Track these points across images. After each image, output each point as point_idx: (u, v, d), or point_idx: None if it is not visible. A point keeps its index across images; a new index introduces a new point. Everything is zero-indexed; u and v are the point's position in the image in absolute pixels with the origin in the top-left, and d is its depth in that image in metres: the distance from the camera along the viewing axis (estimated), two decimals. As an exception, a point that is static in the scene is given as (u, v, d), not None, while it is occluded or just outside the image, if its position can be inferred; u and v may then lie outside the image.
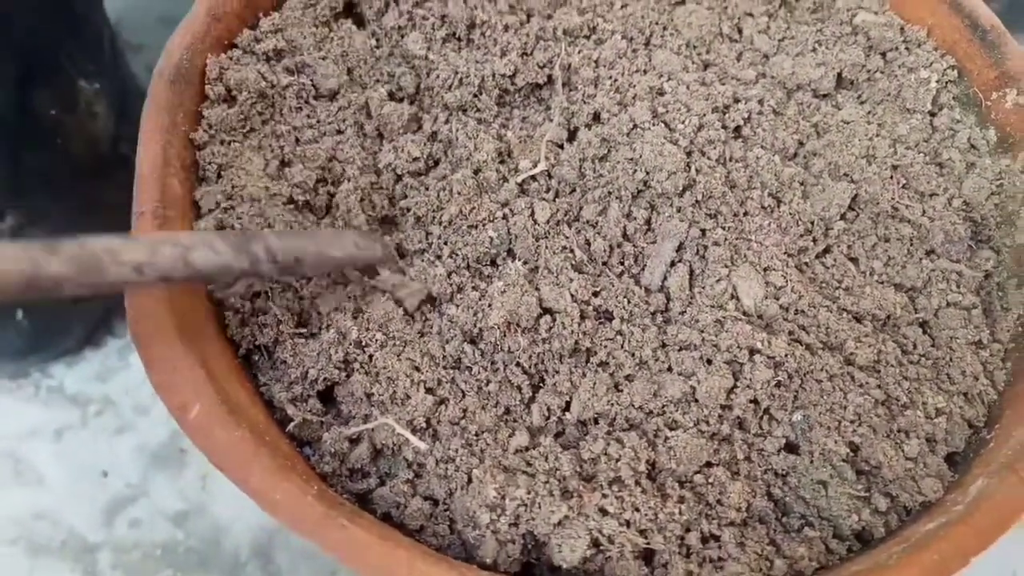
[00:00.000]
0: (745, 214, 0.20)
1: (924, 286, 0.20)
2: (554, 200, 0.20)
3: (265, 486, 0.15)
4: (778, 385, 0.18)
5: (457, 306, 0.19)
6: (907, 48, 0.23)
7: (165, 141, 0.19)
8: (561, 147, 0.21)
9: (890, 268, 0.20)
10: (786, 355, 0.18)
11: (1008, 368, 0.20)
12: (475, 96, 0.21)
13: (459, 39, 0.22)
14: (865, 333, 0.19)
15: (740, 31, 0.23)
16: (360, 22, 0.23)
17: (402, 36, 0.23)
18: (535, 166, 0.20)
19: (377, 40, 0.23)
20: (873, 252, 0.21)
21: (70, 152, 0.26)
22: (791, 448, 0.19)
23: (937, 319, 0.20)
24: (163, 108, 0.19)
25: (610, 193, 0.20)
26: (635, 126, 0.21)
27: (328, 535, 0.15)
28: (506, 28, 0.22)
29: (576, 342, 0.19)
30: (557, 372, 0.19)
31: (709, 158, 0.20)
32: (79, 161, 0.26)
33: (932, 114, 0.22)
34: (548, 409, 0.18)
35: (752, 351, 0.18)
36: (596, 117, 0.21)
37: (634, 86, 0.21)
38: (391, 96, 0.22)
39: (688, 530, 0.17)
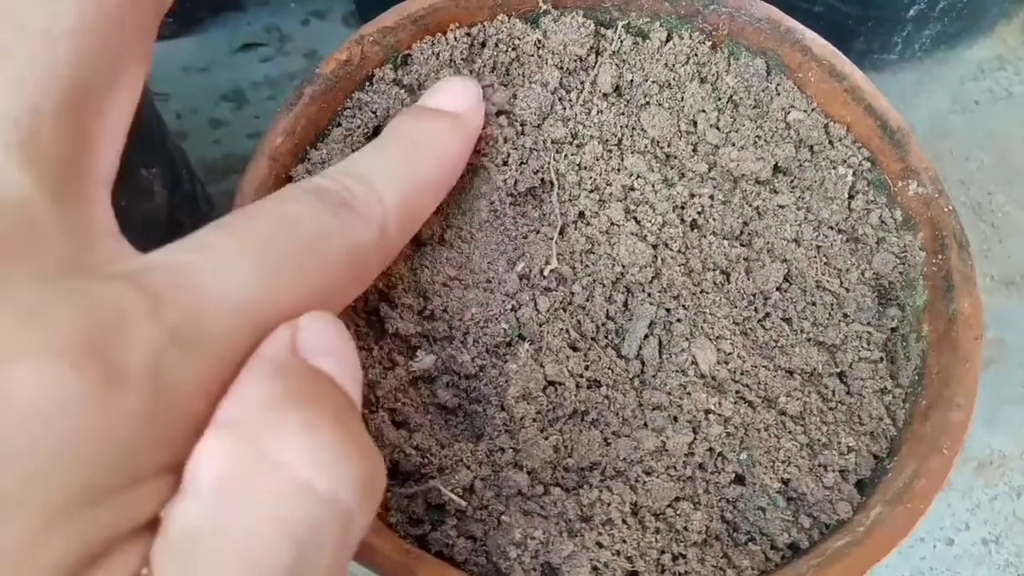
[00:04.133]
0: (701, 292, 0.26)
1: (842, 344, 0.26)
2: (552, 291, 0.25)
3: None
4: (728, 435, 0.24)
5: (480, 381, 0.24)
6: (830, 143, 0.28)
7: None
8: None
9: (816, 328, 0.26)
10: (733, 413, 0.24)
11: (907, 408, 0.26)
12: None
13: None
14: (794, 387, 0.25)
15: (695, 124, 0.28)
16: None
17: None
18: (547, 262, 0.25)
19: None
20: (803, 314, 0.26)
21: (134, 233, 0.30)
22: (739, 479, 0.24)
23: (852, 370, 0.26)
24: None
25: (594, 282, 0.26)
26: (612, 224, 0.26)
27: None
28: (505, 140, 0.27)
29: (574, 408, 0.24)
30: (560, 432, 0.24)
31: (671, 250, 0.26)
32: (140, 239, 0.31)
33: (851, 196, 0.28)
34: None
35: (707, 412, 0.24)
36: (581, 215, 0.26)
37: (610, 184, 0.26)
38: None
39: (662, 552, 0.23)
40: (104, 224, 0.17)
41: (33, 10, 0.16)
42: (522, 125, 0.27)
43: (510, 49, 0.28)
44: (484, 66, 0.28)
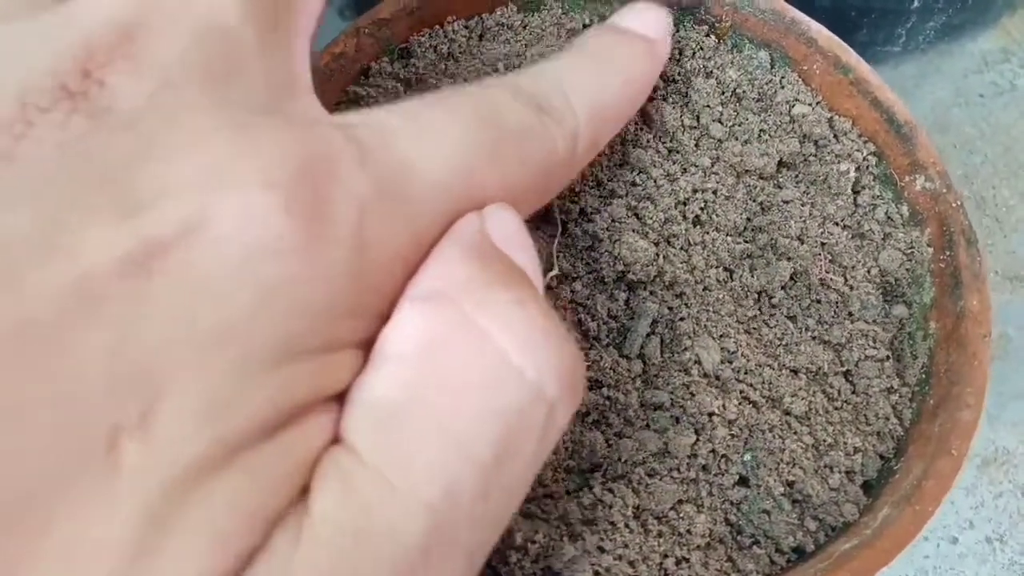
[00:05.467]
0: (705, 289, 0.25)
1: (847, 343, 0.25)
2: (552, 289, 0.25)
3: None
4: (732, 436, 0.24)
5: None
6: (835, 137, 0.27)
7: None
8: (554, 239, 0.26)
9: (820, 327, 0.26)
10: (737, 414, 0.24)
11: (914, 408, 0.25)
12: None
13: None
14: (800, 387, 0.24)
15: (698, 119, 0.28)
16: None
17: None
18: (549, 266, 0.25)
19: None
20: (807, 312, 0.26)
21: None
22: (743, 481, 0.24)
23: (858, 369, 0.25)
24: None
25: (596, 280, 0.25)
26: (613, 221, 0.25)
27: None
28: None
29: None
30: (564, 432, 0.24)
31: (674, 247, 0.25)
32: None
33: (856, 192, 0.27)
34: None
35: (711, 414, 0.23)
36: (582, 212, 0.26)
37: (613, 180, 0.26)
38: None
39: (665, 556, 0.22)
40: (304, 80, 0.16)
41: None
42: None
43: (510, 41, 0.27)
44: (485, 59, 0.27)
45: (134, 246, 0.11)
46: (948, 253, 0.26)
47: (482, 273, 0.14)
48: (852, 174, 0.27)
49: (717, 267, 0.25)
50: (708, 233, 0.26)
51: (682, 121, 0.27)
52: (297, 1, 0.16)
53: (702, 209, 0.26)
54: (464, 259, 0.14)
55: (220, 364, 0.12)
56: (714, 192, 0.26)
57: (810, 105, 0.28)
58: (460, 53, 0.27)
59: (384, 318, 0.14)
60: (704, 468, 0.23)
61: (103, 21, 0.13)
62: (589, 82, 0.20)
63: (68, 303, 0.11)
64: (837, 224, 0.27)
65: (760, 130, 0.27)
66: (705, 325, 0.25)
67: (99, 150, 0.12)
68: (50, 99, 0.12)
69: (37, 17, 0.14)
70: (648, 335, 0.25)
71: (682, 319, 0.25)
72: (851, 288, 0.26)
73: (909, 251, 0.26)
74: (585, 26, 0.28)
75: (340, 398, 0.14)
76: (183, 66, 0.13)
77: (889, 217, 0.27)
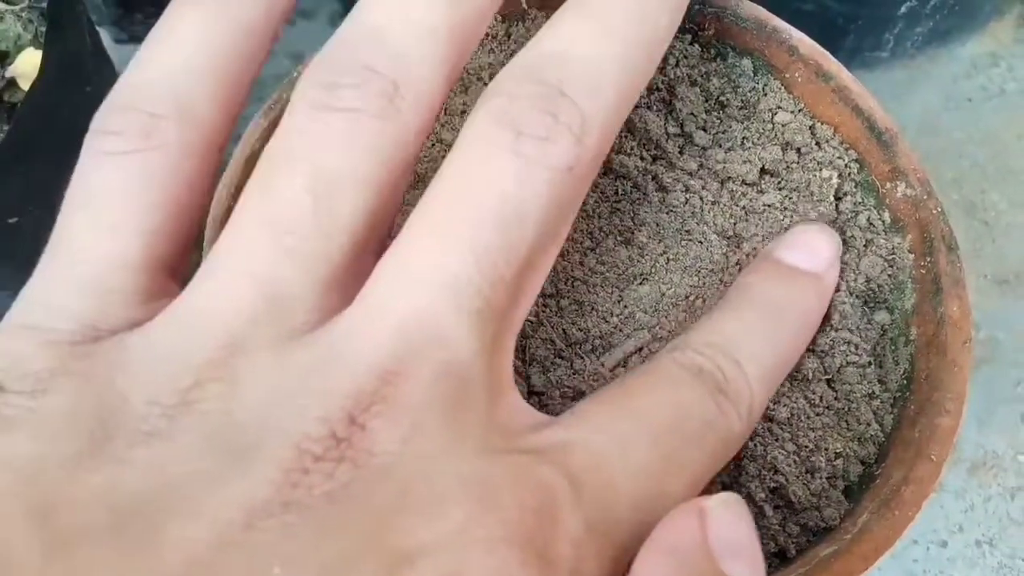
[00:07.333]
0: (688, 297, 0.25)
1: (830, 350, 0.26)
2: (541, 297, 0.25)
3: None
4: (714, 442, 0.24)
5: None
6: (817, 144, 0.28)
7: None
8: None
9: None
10: None
11: (895, 413, 0.25)
12: None
13: None
14: (782, 392, 0.25)
15: (682, 127, 0.28)
16: None
17: None
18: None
19: None
20: None
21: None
22: (725, 487, 0.24)
23: (840, 375, 0.25)
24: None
25: (586, 290, 0.25)
26: (600, 230, 0.26)
27: None
28: None
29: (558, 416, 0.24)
30: None
31: (656, 252, 0.26)
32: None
33: (838, 199, 0.27)
34: None
35: (693, 420, 0.24)
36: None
37: (596, 189, 0.26)
38: None
39: (647, 562, 0.22)
40: (509, 376, 0.17)
41: None
42: None
43: (495, 51, 0.28)
44: (469, 67, 0.27)
45: None
46: (929, 259, 0.26)
47: None
48: (834, 181, 0.27)
49: (700, 273, 0.26)
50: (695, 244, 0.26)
51: (666, 129, 0.28)
52: (525, 304, 0.17)
53: (691, 216, 0.26)
54: None
55: None
56: (700, 198, 0.27)
57: (792, 113, 0.28)
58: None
59: None
60: (686, 474, 0.24)
61: (368, 366, 0.15)
62: (762, 347, 0.21)
63: None
64: None
65: (743, 137, 0.28)
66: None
67: (363, 501, 0.13)
68: (323, 447, 0.14)
69: (292, 352, 0.15)
70: (633, 353, 0.25)
71: (669, 331, 0.25)
72: (835, 294, 0.26)
73: (891, 257, 0.27)
74: None
75: None
76: (428, 407, 0.15)
77: (871, 223, 0.27)
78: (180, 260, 0.18)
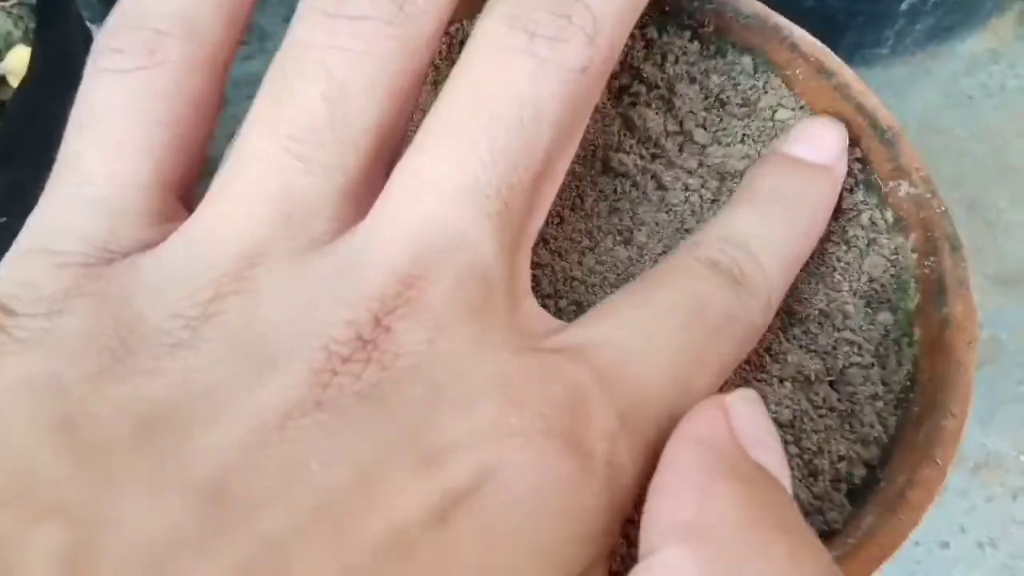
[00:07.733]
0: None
1: (833, 350, 0.25)
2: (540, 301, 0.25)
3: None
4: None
5: None
6: (819, 142, 0.27)
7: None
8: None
9: (807, 337, 0.25)
10: None
11: (899, 415, 0.25)
12: None
13: None
14: (785, 394, 0.24)
15: (682, 125, 0.28)
16: None
17: None
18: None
19: None
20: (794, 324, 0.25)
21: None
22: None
23: (843, 376, 0.25)
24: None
25: (584, 290, 0.25)
26: (597, 228, 0.25)
27: None
28: None
29: None
30: None
31: (655, 252, 0.25)
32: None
33: (840, 197, 0.27)
34: None
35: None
36: (561, 221, 0.25)
37: (595, 188, 0.26)
38: None
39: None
40: (527, 283, 0.17)
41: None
42: None
43: None
44: None
45: (438, 498, 0.13)
46: (932, 259, 0.25)
47: (742, 502, 0.14)
48: None
49: None
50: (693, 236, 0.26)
51: (665, 127, 0.27)
52: (540, 211, 0.18)
53: (690, 215, 0.26)
54: (716, 481, 0.14)
55: None
56: (700, 196, 0.26)
57: (793, 110, 0.28)
58: (441, 60, 0.27)
59: (622, 529, 0.15)
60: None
61: (390, 271, 0.15)
62: (777, 237, 0.21)
63: (384, 553, 0.12)
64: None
65: (743, 135, 0.27)
66: None
67: (393, 400, 0.14)
68: (350, 349, 0.14)
69: (312, 262, 0.15)
70: None
71: None
72: (831, 303, 0.26)
73: (893, 257, 0.26)
74: None
75: None
76: (452, 309, 0.15)
77: (873, 223, 0.27)
78: (189, 183, 0.18)
